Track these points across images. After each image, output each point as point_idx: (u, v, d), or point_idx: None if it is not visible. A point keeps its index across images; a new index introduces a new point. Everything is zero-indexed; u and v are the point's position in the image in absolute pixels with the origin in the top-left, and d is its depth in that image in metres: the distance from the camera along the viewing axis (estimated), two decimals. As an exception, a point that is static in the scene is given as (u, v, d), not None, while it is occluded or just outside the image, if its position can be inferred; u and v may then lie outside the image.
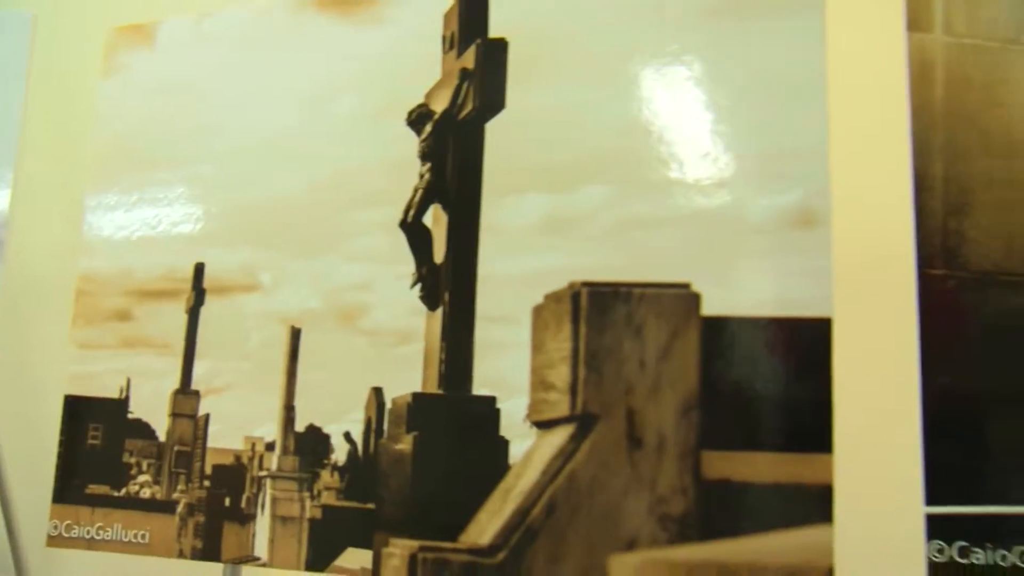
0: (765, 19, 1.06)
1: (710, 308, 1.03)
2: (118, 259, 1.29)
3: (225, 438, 1.20)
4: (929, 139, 1.04)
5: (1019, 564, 0.95)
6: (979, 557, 0.97)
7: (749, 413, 1.01)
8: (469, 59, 1.18)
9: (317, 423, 1.17)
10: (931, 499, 0.98)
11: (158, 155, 1.30)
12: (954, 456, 0.98)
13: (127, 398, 1.26)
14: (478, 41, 1.17)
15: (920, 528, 0.97)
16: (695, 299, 1.04)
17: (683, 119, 1.08)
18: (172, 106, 1.31)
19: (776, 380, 1.01)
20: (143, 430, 1.24)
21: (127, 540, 1.21)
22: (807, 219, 1.02)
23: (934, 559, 0.97)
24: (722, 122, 1.06)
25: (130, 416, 1.25)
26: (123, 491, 1.23)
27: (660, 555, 1.01)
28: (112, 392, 1.26)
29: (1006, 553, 0.96)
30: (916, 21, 1.06)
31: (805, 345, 1.00)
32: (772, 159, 1.04)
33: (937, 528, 0.98)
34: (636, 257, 1.07)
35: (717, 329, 1.03)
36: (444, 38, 1.20)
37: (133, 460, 1.24)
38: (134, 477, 1.23)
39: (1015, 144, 1.02)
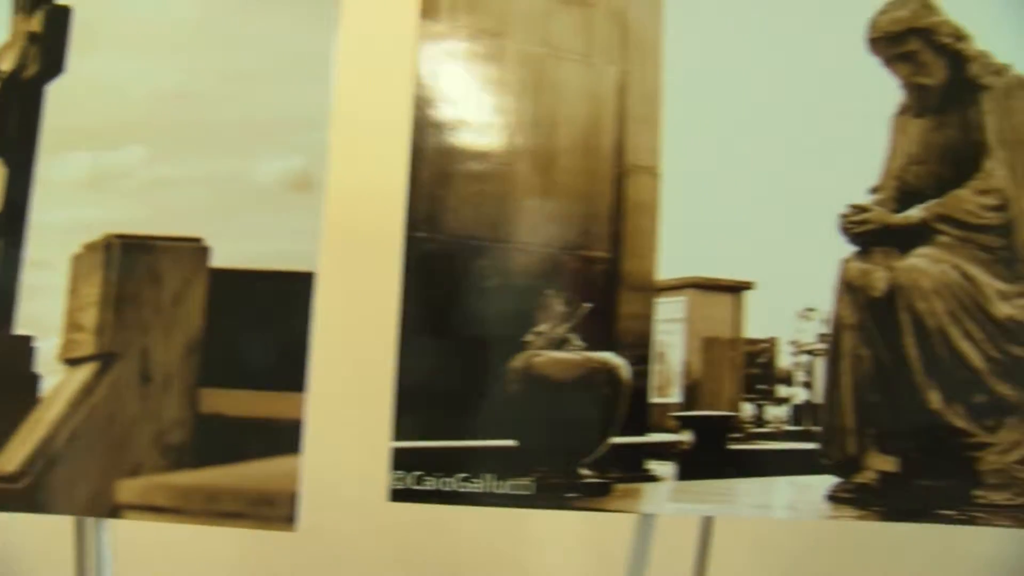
0: (285, -1, 1.18)
1: (218, 260, 1.15)
2: None
3: None
4: (426, 116, 1.16)
5: (458, 489, 1.10)
6: (430, 483, 1.10)
7: (242, 355, 1.14)
8: (36, 23, 1.26)
9: None
10: (398, 435, 1.11)
11: None
12: (420, 398, 1.12)
13: None
14: (45, 7, 1.26)
15: (386, 460, 1.10)
16: (205, 252, 1.15)
17: (215, 87, 1.19)
18: None
19: (265, 326, 1.14)
20: None
21: None
22: (305, 183, 1.14)
23: (395, 486, 1.10)
24: (237, 92, 1.17)
25: None
26: None
27: (159, 480, 1.12)
28: None
29: (449, 480, 1.10)
30: (429, 10, 1.18)
31: (291, 296, 1.12)
32: (280, 128, 1.16)
33: (400, 460, 1.11)
34: (161, 213, 1.17)
35: (222, 279, 1.15)
36: (15, 1, 1.28)
37: None
38: None
39: (489, 122, 1.15)
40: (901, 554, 1.55)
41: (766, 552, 1.56)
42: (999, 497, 1.05)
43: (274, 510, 1.09)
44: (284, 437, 1.10)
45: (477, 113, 1.16)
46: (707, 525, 1.45)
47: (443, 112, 1.16)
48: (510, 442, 1.11)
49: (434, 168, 1.15)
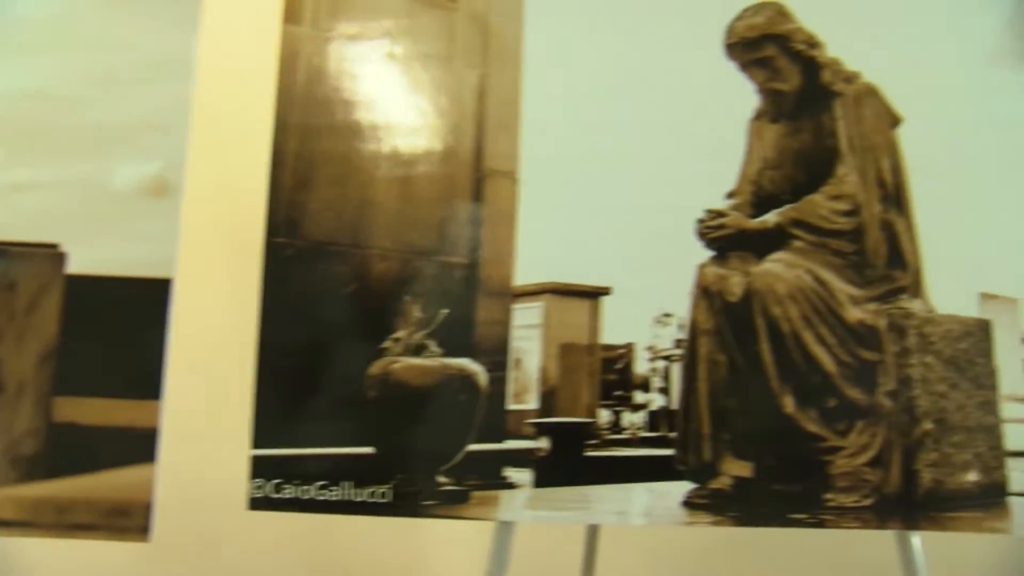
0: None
1: (75, 267, 1.13)
2: None
3: None
4: (288, 120, 1.15)
5: (315, 497, 1.09)
6: (288, 491, 1.09)
7: (97, 362, 1.12)
8: None
9: None
10: (257, 443, 1.09)
11: None
12: (279, 405, 1.10)
13: None
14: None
15: (245, 468, 1.09)
16: (61, 258, 1.13)
17: (72, 89, 1.17)
18: None
19: (122, 334, 1.12)
20: None
21: None
22: (163, 188, 1.13)
23: (254, 495, 1.09)
24: (95, 94, 1.15)
25: None
26: None
27: (9, 493, 1.10)
28: None
29: (308, 488, 1.09)
30: (291, 14, 1.17)
31: (149, 302, 1.10)
32: (138, 131, 1.14)
33: (260, 468, 1.10)
34: (16, 217, 1.15)
35: (78, 286, 1.13)
36: None
37: None
38: None
39: (353, 125, 1.14)
40: (790, 558, 1.56)
41: (653, 558, 1.57)
42: (848, 500, 1.06)
43: (128, 521, 1.08)
44: (140, 446, 1.09)
45: (338, 117, 1.15)
46: (593, 532, 1.45)
47: (304, 116, 1.15)
48: (368, 449, 1.10)
49: (295, 173, 1.14)
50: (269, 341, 1.11)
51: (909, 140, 1.11)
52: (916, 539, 1.06)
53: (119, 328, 1.13)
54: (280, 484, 1.09)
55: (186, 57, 1.15)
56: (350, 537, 1.49)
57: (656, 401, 1.13)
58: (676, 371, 1.12)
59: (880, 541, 1.10)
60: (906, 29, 1.11)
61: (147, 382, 1.10)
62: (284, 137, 1.14)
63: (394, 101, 1.15)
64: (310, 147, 1.14)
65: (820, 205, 1.12)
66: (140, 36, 1.17)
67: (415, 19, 1.17)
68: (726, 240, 1.12)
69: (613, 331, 1.11)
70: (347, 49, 1.17)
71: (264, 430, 1.10)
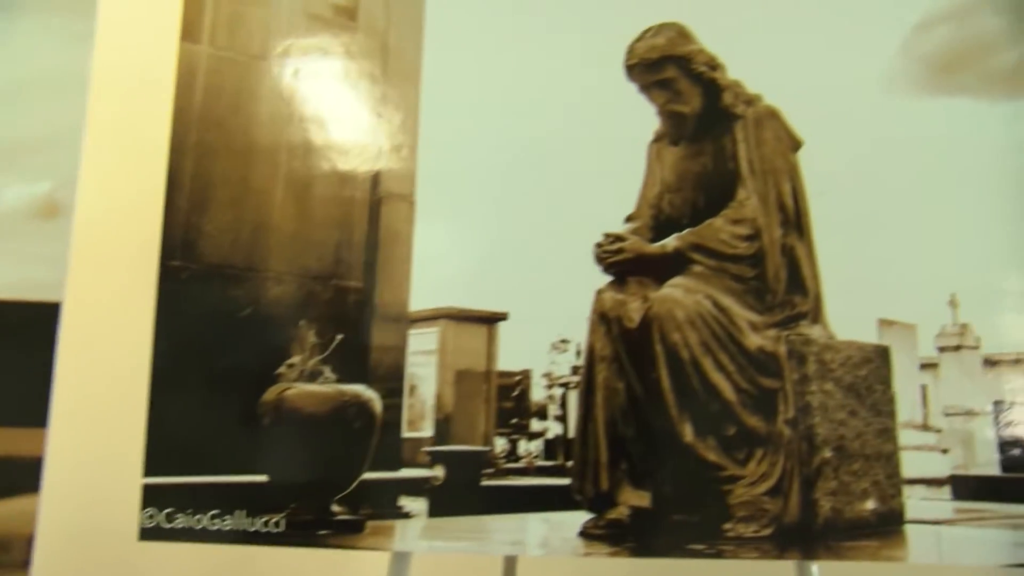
0: (34, 14, 1.13)
1: (-40, 291, 1.10)
2: None
3: None
4: (184, 140, 1.12)
5: (208, 527, 1.06)
6: (180, 521, 1.07)
7: (-19, 390, 1.09)
8: None
9: None
10: (149, 471, 1.07)
11: None
12: (172, 432, 1.08)
13: None
14: None
15: (136, 497, 1.06)
16: (-54, 282, 1.10)
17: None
18: None
19: (6, 359, 1.09)
20: None
21: None
22: (53, 209, 1.10)
23: (145, 525, 1.07)
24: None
25: None
26: None
27: None
28: None
29: (201, 516, 1.06)
30: (188, 32, 1.14)
31: (34, 327, 1.07)
32: (26, 150, 1.11)
33: (151, 497, 1.07)
34: (-97, 240, 1.12)
35: (-37, 311, 1.10)
36: None
37: None
38: None
39: (250, 146, 1.12)
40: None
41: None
42: (746, 530, 1.04)
43: (6, 555, 1.05)
44: (24, 476, 1.06)
45: (235, 138, 1.12)
46: (511, 564, 1.43)
47: (201, 136, 1.12)
48: (261, 477, 1.07)
49: (191, 194, 1.12)
50: (162, 366, 1.08)
51: (808, 164, 1.10)
52: (815, 568, 1.04)
53: (3, 353, 1.10)
54: (172, 514, 1.07)
55: (80, 73, 1.12)
56: (247, 567, 1.46)
57: (553, 429, 1.11)
58: (573, 398, 1.10)
59: (779, 571, 1.09)
60: (803, 52, 1.10)
61: (33, 409, 1.07)
62: (180, 157, 1.12)
63: (292, 121, 1.13)
64: (207, 168, 1.12)
65: (720, 229, 1.10)
66: (31, 50, 1.14)
67: (314, 37, 1.15)
68: (624, 265, 1.10)
69: (510, 357, 1.09)
70: (245, 68, 1.14)
71: (156, 458, 1.07)
